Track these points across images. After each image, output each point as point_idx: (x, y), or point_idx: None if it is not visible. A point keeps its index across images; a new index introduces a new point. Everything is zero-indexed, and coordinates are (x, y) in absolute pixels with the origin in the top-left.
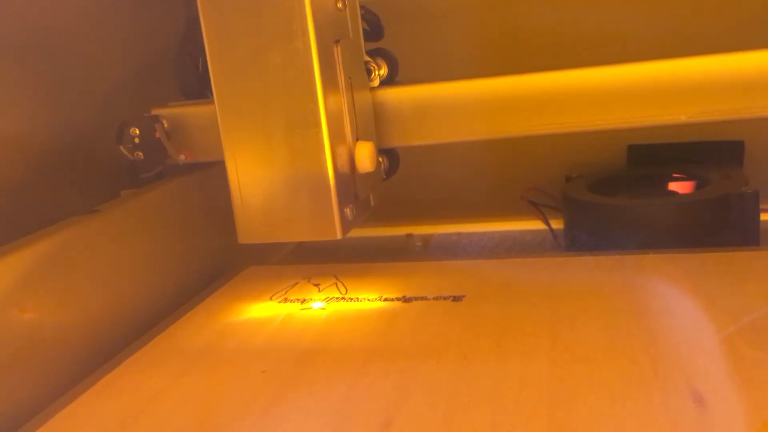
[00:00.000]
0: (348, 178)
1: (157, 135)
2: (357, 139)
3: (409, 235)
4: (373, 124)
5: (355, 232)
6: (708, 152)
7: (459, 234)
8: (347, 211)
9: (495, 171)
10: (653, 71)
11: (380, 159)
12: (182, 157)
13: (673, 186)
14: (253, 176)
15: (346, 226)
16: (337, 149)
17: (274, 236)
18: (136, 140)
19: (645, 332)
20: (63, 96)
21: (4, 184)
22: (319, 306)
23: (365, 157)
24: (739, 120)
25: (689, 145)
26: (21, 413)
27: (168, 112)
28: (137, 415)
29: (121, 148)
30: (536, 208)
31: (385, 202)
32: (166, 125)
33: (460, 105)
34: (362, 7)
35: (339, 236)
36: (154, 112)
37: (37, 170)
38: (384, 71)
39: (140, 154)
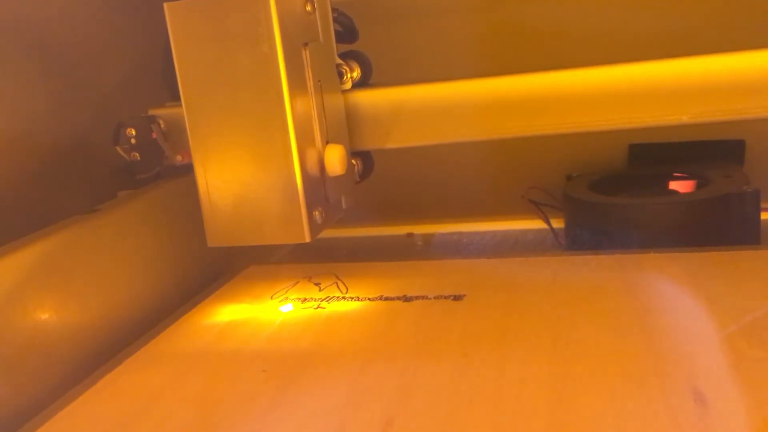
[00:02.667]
0: (317, 182)
1: (154, 136)
2: (327, 142)
3: (410, 235)
4: (346, 126)
5: (356, 232)
6: (709, 151)
7: (460, 233)
8: (316, 214)
9: (496, 170)
10: (655, 71)
11: (354, 162)
12: (179, 157)
13: (674, 185)
14: (221, 179)
15: (315, 229)
16: (305, 152)
17: (243, 239)
18: (133, 141)
19: (646, 331)
20: (60, 96)
21: (2, 185)
22: (288, 309)
23: (335, 160)
24: (740, 120)
25: (690, 144)
26: (22, 412)
27: (165, 113)
28: (138, 415)
29: (118, 148)
30: (537, 208)
31: (386, 201)
32: (162, 126)
33: (435, 107)
34: (335, 9)
35: (307, 239)
36: (151, 112)
37: (35, 171)
38: (357, 74)
39: (137, 154)
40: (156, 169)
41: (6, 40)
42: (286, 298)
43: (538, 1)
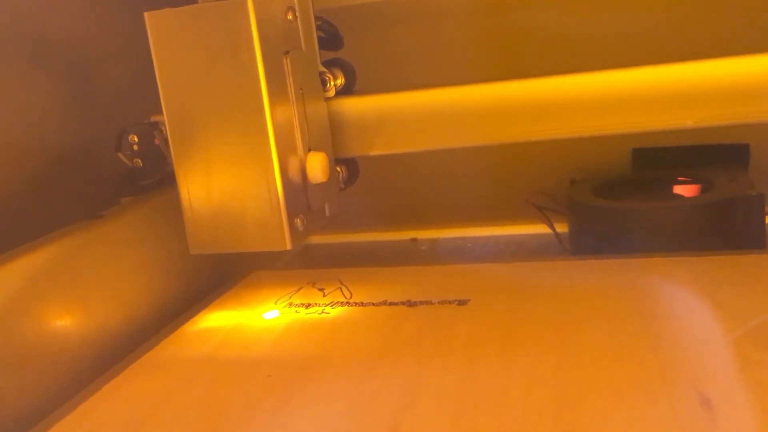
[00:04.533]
0: (299, 189)
1: (156, 142)
2: (309, 150)
3: (414, 240)
4: (329, 134)
5: (360, 237)
6: (713, 155)
7: (464, 238)
8: (298, 221)
9: (500, 175)
10: (659, 75)
11: (338, 169)
12: None
13: (678, 189)
14: (202, 187)
15: (296, 236)
16: (286, 160)
17: (225, 246)
18: (135, 147)
19: (651, 335)
20: (63, 103)
21: (5, 191)
22: (273, 315)
23: (317, 167)
24: (745, 124)
25: (694, 148)
26: (27, 418)
27: None
28: (143, 420)
29: (120, 155)
30: (541, 212)
31: (390, 206)
32: (165, 132)
33: (418, 114)
34: (318, 17)
35: (288, 247)
36: (153, 119)
37: (38, 176)
38: (340, 81)
39: (139, 161)
40: (158, 175)
41: (9, 45)
42: (291, 303)
43: (530, 5)
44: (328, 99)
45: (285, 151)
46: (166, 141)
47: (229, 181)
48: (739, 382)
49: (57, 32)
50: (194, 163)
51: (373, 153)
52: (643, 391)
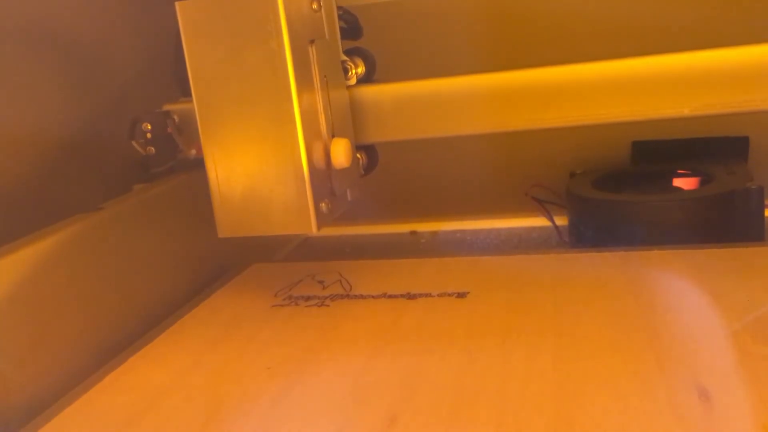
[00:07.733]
0: (324, 174)
1: (169, 130)
2: (333, 136)
3: (414, 232)
4: (351, 121)
5: (360, 229)
6: (713, 148)
7: (463, 231)
8: (323, 205)
9: (499, 168)
10: (655, 65)
11: (358, 155)
12: (193, 152)
13: (677, 182)
14: (231, 172)
15: (321, 220)
16: (312, 146)
17: (252, 230)
18: (148, 135)
19: (650, 328)
20: (77, 92)
21: (19, 179)
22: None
23: (340, 153)
24: (742, 113)
25: (694, 141)
26: (29, 409)
27: (179, 108)
28: (144, 411)
29: (134, 143)
30: (541, 205)
31: (390, 199)
32: (177, 121)
33: (437, 102)
34: (340, 7)
35: (314, 230)
36: (166, 107)
37: (51, 165)
38: (361, 70)
39: (152, 149)
40: (170, 163)
41: (20, 36)
42: (290, 296)
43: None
44: (349, 87)
45: (311, 137)
46: (178, 129)
47: (257, 166)
48: (737, 374)
49: (66, 22)
50: (222, 149)
51: (393, 139)
52: (642, 382)
